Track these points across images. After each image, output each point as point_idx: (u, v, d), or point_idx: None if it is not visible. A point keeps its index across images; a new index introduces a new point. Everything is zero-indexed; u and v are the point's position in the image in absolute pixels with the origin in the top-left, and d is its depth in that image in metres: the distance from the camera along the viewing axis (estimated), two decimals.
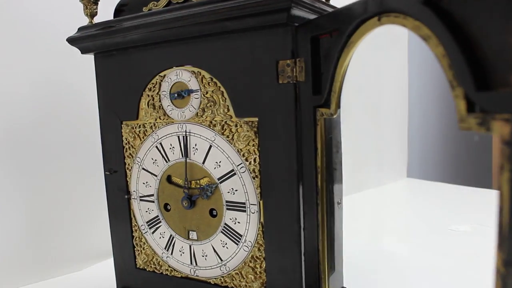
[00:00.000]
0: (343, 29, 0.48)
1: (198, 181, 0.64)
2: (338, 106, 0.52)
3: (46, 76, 0.94)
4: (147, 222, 0.70)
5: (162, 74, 0.64)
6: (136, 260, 0.73)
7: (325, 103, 0.52)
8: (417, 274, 0.88)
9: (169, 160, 0.66)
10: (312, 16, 0.54)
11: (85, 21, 0.70)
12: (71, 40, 0.70)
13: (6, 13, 0.88)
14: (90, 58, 0.73)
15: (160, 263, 0.71)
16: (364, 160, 1.65)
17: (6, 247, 0.90)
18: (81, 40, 0.69)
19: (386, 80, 1.71)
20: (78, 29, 0.70)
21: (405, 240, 1.12)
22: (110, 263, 0.81)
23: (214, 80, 0.60)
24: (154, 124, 0.66)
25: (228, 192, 0.61)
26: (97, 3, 0.70)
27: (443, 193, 1.64)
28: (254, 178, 0.58)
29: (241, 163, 0.59)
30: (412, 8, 0.36)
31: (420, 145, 1.96)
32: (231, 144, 0.59)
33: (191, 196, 0.64)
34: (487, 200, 1.50)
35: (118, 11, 0.70)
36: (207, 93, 0.60)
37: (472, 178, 2.03)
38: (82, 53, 0.71)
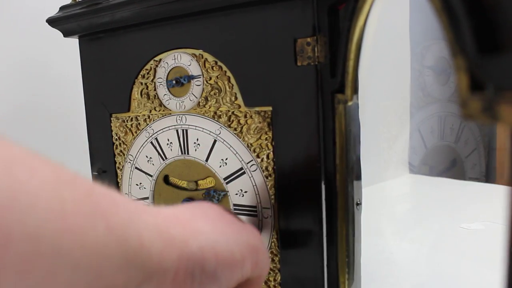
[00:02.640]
0: None
1: (196, 182, 0.55)
2: (354, 91, 0.43)
3: (25, 62, 0.85)
4: None
5: (157, 58, 0.56)
6: None
7: (341, 88, 0.44)
8: (428, 277, 0.80)
9: (166, 158, 0.57)
10: None
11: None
12: (52, 21, 0.61)
13: None
14: (75, 42, 0.64)
15: None
16: (363, 155, 1.57)
17: None
18: (63, 21, 0.60)
19: (387, 73, 1.63)
20: (60, 8, 0.61)
21: (413, 240, 1.04)
22: None
23: (219, 63, 0.51)
24: (149, 117, 0.57)
25: (236, 194, 0.52)
26: None
27: (448, 189, 1.57)
28: (267, 178, 0.50)
29: (252, 160, 0.50)
30: None
31: (415, 133, 1.87)
32: (240, 138, 0.51)
33: (194, 201, 0.55)
34: (494, 196, 1.44)
35: None
36: (210, 79, 0.52)
37: (475, 173, 1.96)
38: (64, 36, 0.62)
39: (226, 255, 0.33)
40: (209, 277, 0.31)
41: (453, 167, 1.90)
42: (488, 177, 1.91)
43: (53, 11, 0.62)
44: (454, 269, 0.83)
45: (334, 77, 0.43)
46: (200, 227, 0.33)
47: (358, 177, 0.51)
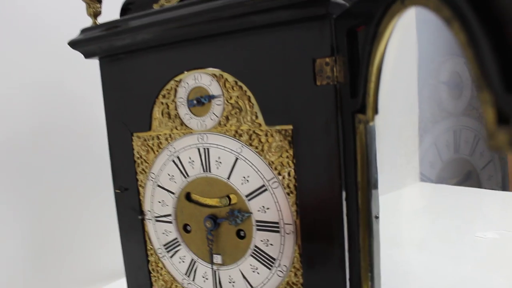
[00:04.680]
0: (370, 18, 0.40)
1: (221, 200, 0.56)
2: (375, 111, 0.44)
3: (47, 83, 0.87)
4: (164, 245, 0.63)
5: (177, 78, 0.57)
6: (153, 287, 0.66)
7: (362, 108, 0.45)
8: (443, 285, 0.81)
9: (188, 176, 0.58)
10: (347, 5, 0.46)
11: (88, 21, 0.63)
12: (74, 44, 0.62)
13: (5, 13, 0.81)
14: (94, 62, 0.66)
15: None
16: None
17: (12, 269, 0.84)
18: (84, 43, 0.61)
19: (395, 80, 1.64)
20: (81, 30, 0.62)
21: (428, 249, 1.04)
22: (121, 284, 0.75)
23: (239, 83, 0.52)
24: (170, 136, 0.59)
25: (258, 210, 0.53)
26: (101, 2, 0.63)
27: (460, 197, 1.56)
28: (289, 194, 0.51)
29: (273, 178, 0.51)
30: None
31: (431, 147, 1.88)
32: (261, 156, 0.52)
33: (217, 218, 0.56)
34: (509, 204, 1.43)
35: (124, 9, 0.63)
36: (231, 98, 0.53)
37: (491, 184, 1.95)
38: (86, 57, 0.64)
39: None
40: None
41: (469, 179, 1.90)
42: (504, 187, 1.90)
43: (71, 34, 0.63)
44: (469, 278, 0.83)
45: (355, 97, 0.44)
46: None
47: (377, 193, 0.51)
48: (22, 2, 0.84)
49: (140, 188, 0.64)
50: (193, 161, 0.57)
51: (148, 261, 0.65)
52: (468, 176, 1.90)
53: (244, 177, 0.53)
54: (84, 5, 0.62)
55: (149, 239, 0.64)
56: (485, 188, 1.88)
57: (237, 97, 0.52)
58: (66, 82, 0.90)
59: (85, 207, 0.93)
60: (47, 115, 0.88)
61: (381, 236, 0.52)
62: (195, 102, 0.55)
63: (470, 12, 0.23)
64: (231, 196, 0.56)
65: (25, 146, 0.85)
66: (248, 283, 0.56)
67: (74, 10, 0.77)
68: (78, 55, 0.64)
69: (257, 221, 0.54)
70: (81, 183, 0.92)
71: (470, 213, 1.32)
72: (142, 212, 0.64)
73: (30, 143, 0.85)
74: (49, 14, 0.86)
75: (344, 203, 0.48)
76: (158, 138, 0.60)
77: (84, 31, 0.62)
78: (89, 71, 0.74)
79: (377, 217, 0.52)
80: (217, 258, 0.58)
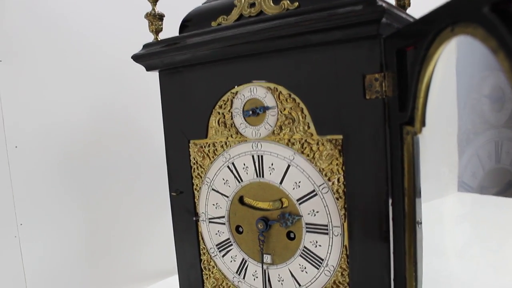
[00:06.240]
0: (421, 42, 0.43)
1: (273, 203, 0.61)
2: (422, 124, 0.48)
3: (104, 98, 0.94)
4: (216, 245, 0.67)
5: (234, 90, 0.62)
6: (204, 285, 0.70)
7: (410, 120, 0.48)
8: None
9: (242, 181, 0.63)
10: (396, 27, 0.50)
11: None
12: (137, 58, 0.68)
13: (62, 39, 0.88)
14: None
15: (230, 287, 0.68)
16: None
17: (67, 267, 0.90)
18: (147, 57, 0.67)
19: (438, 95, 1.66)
20: (144, 46, 0.68)
21: (469, 260, 1.05)
22: (172, 281, 0.80)
23: (293, 96, 0.57)
24: (226, 143, 0.63)
25: (308, 213, 0.57)
26: (162, 19, 0.68)
27: (499, 208, 1.56)
28: (337, 199, 0.55)
29: (323, 183, 0.55)
30: (479, 15, 0.32)
31: (473, 157, 1.90)
32: (312, 163, 0.56)
33: (268, 220, 0.61)
34: None
35: (183, 26, 0.68)
36: (284, 109, 0.57)
37: None
38: (147, 70, 0.69)
39: None
40: None
41: (510, 188, 1.92)
42: None
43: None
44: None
45: (404, 111, 0.47)
46: None
47: (420, 200, 0.55)
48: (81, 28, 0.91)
49: (195, 192, 0.68)
50: (247, 167, 0.62)
51: (201, 259, 0.70)
52: (509, 185, 1.92)
53: (295, 183, 0.58)
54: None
55: (202, 239, 0.69)
56: None
57: (291, 108, 0.57)
58: (116, 97, 0.96)
59: (138, 210, 0.98)
60: (107, 127, 0.94)
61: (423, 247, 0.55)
62: (250, 112, 0.60)
63: None
64: (283, 200, 0.60)
65: (84, 155, 0.91)
66: (296, 281, 0.60)
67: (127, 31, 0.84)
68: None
69: (307, 223, 0.58)
70: (132, 187, 0.98)
71: (508, 224, 1.32)
72: (196, 214, 0.69)
73: (92, 151, 0.92)
74: (103, 38, 0.93)
75: (390, 208, 0.52)
76: (214, 145, 0.65)
77: (146, 46, 0.68)
78: (135, 88, 0.81)
79: (419, 223, 0.56)
80: (267, 258, 0.62)
